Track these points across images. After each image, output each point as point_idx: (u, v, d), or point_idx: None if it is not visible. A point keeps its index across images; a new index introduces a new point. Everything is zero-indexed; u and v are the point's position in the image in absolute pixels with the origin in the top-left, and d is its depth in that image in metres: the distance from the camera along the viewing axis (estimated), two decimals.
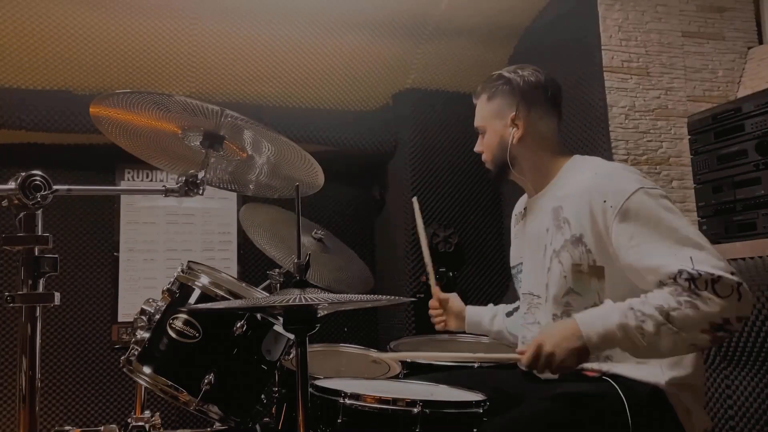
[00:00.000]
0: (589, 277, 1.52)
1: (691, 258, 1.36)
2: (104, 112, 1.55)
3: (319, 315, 1.25)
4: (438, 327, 2.06)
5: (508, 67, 1.76)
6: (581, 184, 1.56)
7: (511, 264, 1.88)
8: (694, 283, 1.33)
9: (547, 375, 1.57)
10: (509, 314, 1.96)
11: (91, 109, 1.53)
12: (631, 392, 1.45)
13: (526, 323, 1.72)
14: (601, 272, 1.51)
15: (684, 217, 1.48)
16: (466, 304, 2.05)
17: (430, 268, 2.03)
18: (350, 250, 2.54)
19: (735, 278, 1.34)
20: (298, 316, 1.24)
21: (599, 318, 1.41)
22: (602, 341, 1.40)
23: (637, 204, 1.45)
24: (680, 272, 1.35)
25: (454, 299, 2.04)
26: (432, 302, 2.06)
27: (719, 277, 1.33)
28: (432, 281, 2.04)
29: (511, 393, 1.59)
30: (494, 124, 1.73)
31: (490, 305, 2.05)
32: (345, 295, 1.28)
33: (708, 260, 1.36)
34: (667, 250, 1.39)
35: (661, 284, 1.39)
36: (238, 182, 1.87)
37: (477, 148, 1.80)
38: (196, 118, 1.56)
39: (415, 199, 2.10)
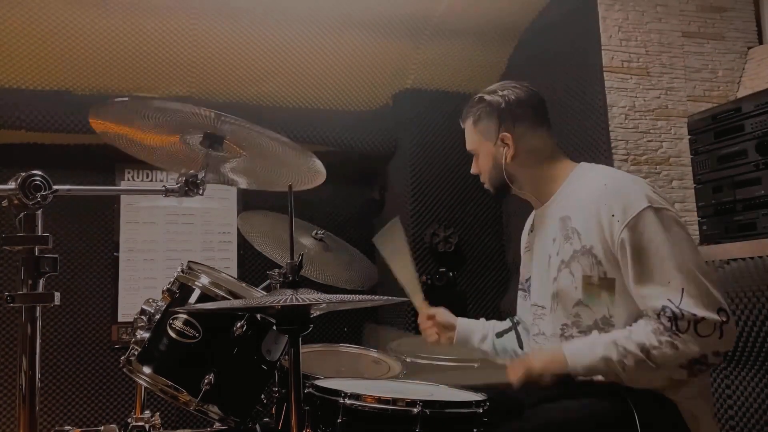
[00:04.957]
0: (599, 290, 1.53)
1: (682, 290, 1.39)
2: (103, 126, 1.57)
3: (312, 315, 1.25)
4: (431, 340, 1.96)
5: (490, 87, 1.76)
6: (591, 194, 1.56)
7: (522, 279, 1.86)
8: (676, 324, 1.38)
9: None
10: (500, 335, 1.93)
11: (90, 121, 1.54)
12: (639, 399, 1.46)
13: (532, 334, 1.74)
14: (611, 285, 1.51)
15: (688, 237, 1.48)
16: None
17: (416, 288, 1.96)
18: (352, 248, 2.54)
19: (719, 317, 1.37)
20: (291, 317, 1.24)
21: (585, 350, 1.48)
22: (586, 371, 1.48)
23: (643, 223, 1.45)
24: (664, 309, 1.39)
25: (440, 316, 1.96)
26: (420, 319, 1.99)
27: (702, 318, 1.37)
28: (418, 300, 1.96)
29: (514, 395, 1.58)
30: (485, 147, 1.74)
31: (482, 320, 2.00)
32: (338, 295, 1.28)
33: (698, 295, 1.39)
34: (661, 278, 1.42)
35: (646, 314, 1.44)
36: (238, 181, 1.88)
37: (473, 171, 1.82)
38: (194, 123, 1.57)
39: (396, 220, 2.02)
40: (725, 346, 1.39)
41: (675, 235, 1.45)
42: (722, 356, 1.40)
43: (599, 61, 2.67)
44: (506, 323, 1.94)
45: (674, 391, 1.48)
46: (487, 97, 1.73)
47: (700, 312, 1.37)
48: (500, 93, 1.72)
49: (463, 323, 1.95)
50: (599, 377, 1.52)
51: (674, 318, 1.37)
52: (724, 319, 1.37)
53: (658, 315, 1.40)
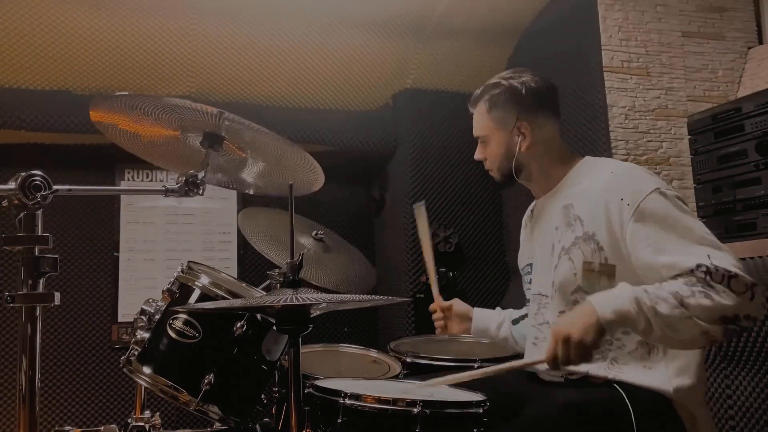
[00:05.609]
0: (599, 276, 1.51)
1: (708, 255, 1.37)
2: (103, 117, 1.56)
3: (312, 315, 1.25)
4: (438, 330, 2.04)
5: (504, 73, 1.71)
6: (597, 183, 1.56)
7: (520, 266, 1.87)
8: (711, 276, 1.34)
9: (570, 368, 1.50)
10: (515, 321, 1.95)
11: (91, 114, 1.53)
12: (637, 398, 1.45)
13: (537, 324, 1.72)
14: (612, 271, 1.50)
15: (698, 219, 1.48)
16: (466, 303, 2.06)
17: (431, 273, 2.04)
18: (352, 248, 2.54)
19: (750, 279, 1.35)
20: (291, 317, 1.24)
21: (613, 295, 1.39)
22: (617, 317, 1.35)
23: (654, 204, 1.45)
24: (698, 266, 1.35)
25: (457, 305, 2.02)
26: (432, 306, 2.05)
27: (736, 274, 1.34)
28: (434, 287, 2.04)
29: (513, 394, 1.58)
30: (498, 134, 1.69)
31: (498, 309, 2.04)
32: (338, 295, 1.28)
33: (726, 258, 1.37)
34: (685, 248, 1.40)
35: (676, 277, 1.38)
36: (239, 182, 1.88)
37: (478, 156, 1.76)
38: (195, 120, 1.57)
39: (421, 204, 2.09)
40: (756, 310, 1.34)
41: (686, 213, 1.45)
42: (753, 321, 1.35)
43: (599, 61, 2.67)
44: (523, 310, 1.95)
45: (673, 389, 1.48)
46: (505, 82, 1.67)
47: (734, 269, 1.34)
48: (520, 79, 1.67)
49: (479, 314, 2.00)
50: (597, 373, 1.52)
51: (708, 272, 1.34)
52: (754, 282, 1.35)
53: (691, 271, 1.35)
